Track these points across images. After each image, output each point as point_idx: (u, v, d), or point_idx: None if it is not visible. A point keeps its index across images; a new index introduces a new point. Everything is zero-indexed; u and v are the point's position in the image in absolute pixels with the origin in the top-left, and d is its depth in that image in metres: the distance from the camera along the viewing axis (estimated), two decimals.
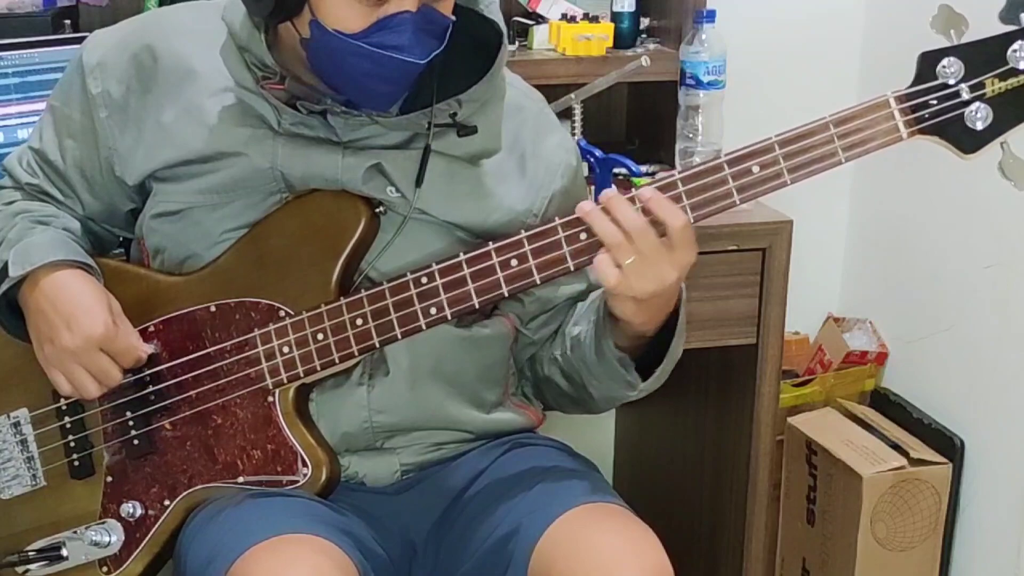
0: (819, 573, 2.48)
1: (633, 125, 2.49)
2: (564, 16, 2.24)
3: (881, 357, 2.58)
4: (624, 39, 2.28)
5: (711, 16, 2.17)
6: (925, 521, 2.37)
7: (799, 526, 2.52)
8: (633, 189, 1.42)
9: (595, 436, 2.65)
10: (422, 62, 1.41)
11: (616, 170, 2.06)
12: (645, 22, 2.33)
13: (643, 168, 2.18)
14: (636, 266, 1.38)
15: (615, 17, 2.28)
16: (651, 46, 2.30)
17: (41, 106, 1.67)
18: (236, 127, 1.51)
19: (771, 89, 2.50)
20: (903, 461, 2.35)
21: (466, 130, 1.52)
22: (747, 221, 2.05)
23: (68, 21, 2.10)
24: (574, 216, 1.42)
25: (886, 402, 2.54)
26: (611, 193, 1.40)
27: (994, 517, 2.32)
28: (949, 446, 2.37)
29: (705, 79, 2.16)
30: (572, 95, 2.08)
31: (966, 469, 2.37)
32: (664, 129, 2.28)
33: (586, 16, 2.24)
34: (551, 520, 1.43)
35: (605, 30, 2.23)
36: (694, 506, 2.35)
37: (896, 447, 2.39)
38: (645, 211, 1.38)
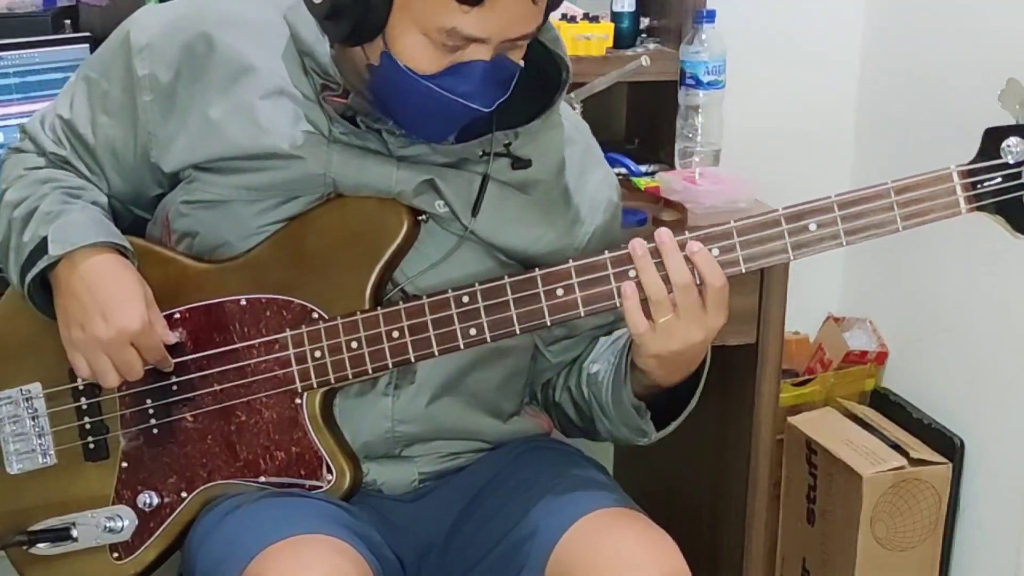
0: (819, 573, 2.48)
1: (633, 125, 2.49)
2: (564, 16, 2.24)
3: (881, 357, 2.58)
4: (624, 39, 2.28)
5: (711, 16, 2.17)
6: (925, 521, 2.36)
7: (799, 526, 2.52)
8: (686, 233, 1.40)
9: None
10: (487, 110, 1.40)
11: (616, 170, 2.06)
12: (645, 22, 2.33)
13: (643, 168, 2.18)
14: (668, 324, 1.38)
15: (615, 17, 2.28)
16: (651, 46, 2.30)
17: (42, 106, 1.65)
18: (290, 130, 1.48)
19: (771, 89, 2.50)
20: (903, 461, 2.35)
21: (520, 163, 1.51)
22: None
23: (68, 21, 2.11)
24: (625, 251, 1.41)
25: (886, 402, 2.54)
26: (666, 238, 1.38)
27: (994, 517, 2.32)
28: (949, 446, 2.37)
29: (705, 79, 2.17)
30: (572, 95, 2.08)
31: (966, 469, 2.36)
32: (664, 129, 2.28)
33: (586, 16, 2.24)
34: (568, 524, 1.42)
35: (605, 30, 2.23)
36: (694, 505, 2.35)
37: (896, 447, 2.39)
38: (689, 263, 1.38)
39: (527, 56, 1.45)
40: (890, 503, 2.33)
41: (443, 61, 1.38)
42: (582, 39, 2.21)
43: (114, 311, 1.46)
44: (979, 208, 1.38)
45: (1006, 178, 1.36)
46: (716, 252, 1.39)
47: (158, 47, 1.52)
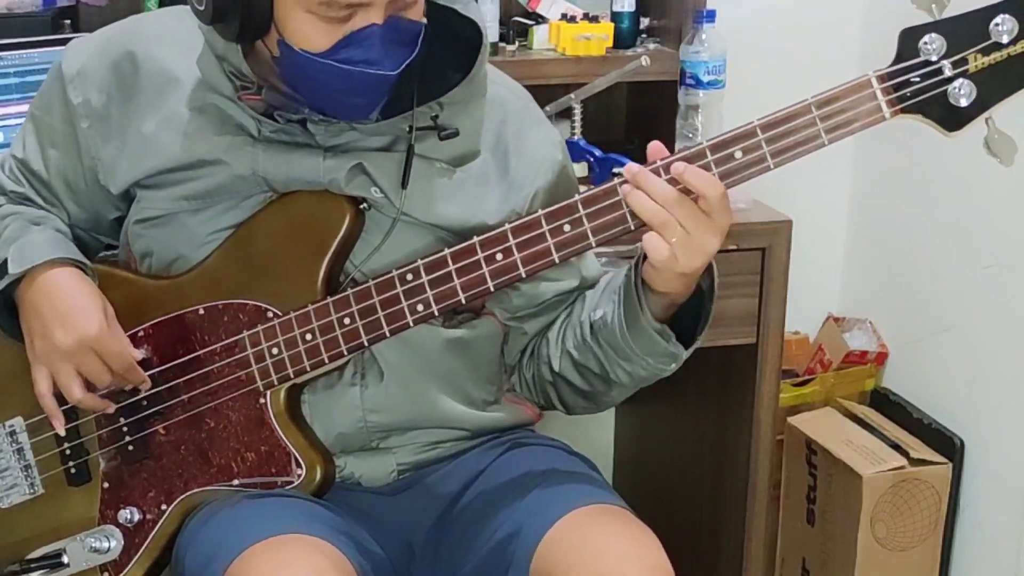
0: (819, 573, 2.48)
1: (633, 125, 2.49)
2: (564, 16, 2.25)
3: (881, 357, 2.58)
4: (624, 39, 2.28)
5: (711, 16, 2.17)
6: (925, 521, 2.37)
7: (799, 526, 2.52)
8: (658, 162, 1.39)
9: (595, 435, 2.65)
10: (393, 73, 1.41)
11: (616, 170, 2.06)
12: (645, 22, 2.33)
13: None
14: (682, 241, 1.37)
15: (615, 17, 2.28)
16: (651, 46, 2.30)
17: None
18: (215, 135, 1.51)
19: (771, 89, 2.50)
20: (903, 461, 2.35)
21: (447, 133, 1.52)
22: (747, 221, 2.05)
23: (68, 21, 2.11)
24: (557, 207, 1.42)
25: (886, 402, 2.54)
26: (635, 169, 1.39)
27: (994, 517, 2.32)
28: (949, 446, 2.37)
29: (705, 79, 2.16)
30: (572, 95, 2.09)
31: (966, 469, 2.36)
32: (664, 129, 2.28)
33: (586, 16, 2.25)
34: (552, 522, 1.43)
35: (605, 30, 2.24)
36: (694, 506, 2.35)
37: (896, 447, 2.39)
38: (677, 183, 1.37)
39: (444, 26, 1.46)
40: (890, 503, 2.34)
41: (335, 34, 1.39)
42: (582, 39, 2.21)
43: (72, 319, 1.48)
44: (903, 111, 1.35)
45: (925, 76, 1.33)
46: None
47: (88, 73, 1.55)
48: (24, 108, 1.91)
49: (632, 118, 2.49)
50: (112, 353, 1.50)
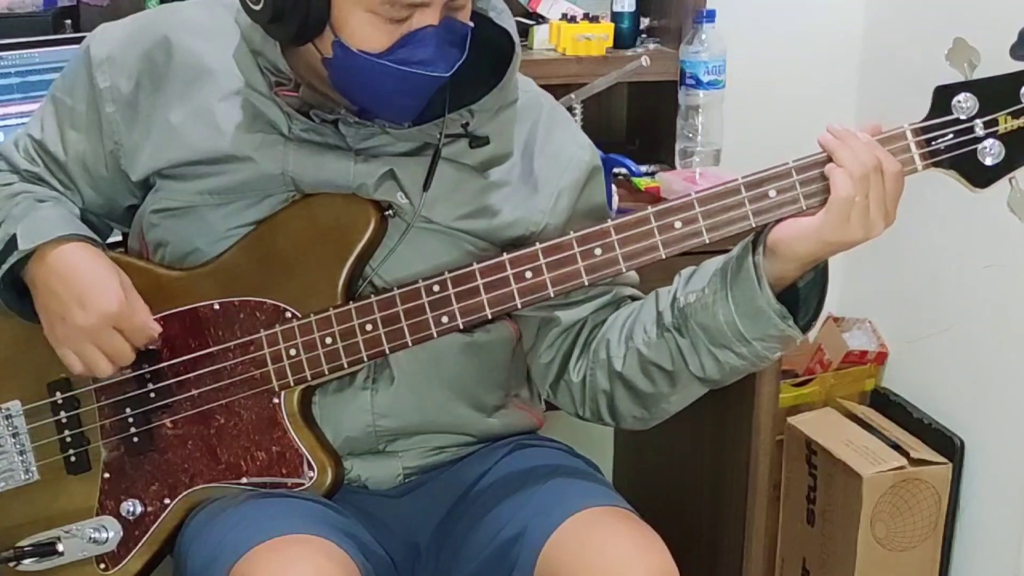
0: (819, 573, 2.48)
1: (633, 125, 2.49)
2: (564, 16, 2.25)
3: (881, 357, 2.58)
4: (624, 39, 2.28)
5: (711, 16, 2.18)
6: (925, 521, 2.37)
7: (799, 526, 2.52)
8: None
9: (595, 436, 2.64)
10: (447, 75, 1.40)
11: (616, 170, 2.06)
12: (645, 22, 2.33)
13: (643, 168, 2.18)
14: (861, 207, 1.37)
15: (615, 17, 2.29)
16: (651, 46, 2.30)
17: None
18: (246, 132, 1.50)
19: (771, 89, 2.50)
20: (903, 461, 2.35)
21: (478, 141, 1.51)
22: None
23: (69, 21, 2.11)
24: (589, 231, 1.42)
25: (886, 402, 2.54)
26: (842, 129, 1.39)
27: (994, 517, 2.33)
28: (949, 446, 2.37)
29: (705, 79, 2.17)
30: (572, 95, 2.08)
31: (966, 469, 2.37)
32: (664, 129, 2.28)
33: (586, 16, 2.25)
34: (556, 524, 1.43)
35: (605, 30, 2.24)
36: (694, 506, 2.35)
37: (896, 447, 2.39)
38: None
39: (477, 35, 1.46)
40: (890, 503, 2.34)
41: (394, 35, 1.39)
42: (582, 39, 2.21)
43: (91, 297, 1.47)
44: (934, 164, 1.39)
45: (957, 134, 1.38)
46: (679, 224, 1.40)
47: (118, 59, 1.54)
48: (25, 108, 1.91)
49: (632, 118, 2.49)
50: (135, 327, 1.49)
